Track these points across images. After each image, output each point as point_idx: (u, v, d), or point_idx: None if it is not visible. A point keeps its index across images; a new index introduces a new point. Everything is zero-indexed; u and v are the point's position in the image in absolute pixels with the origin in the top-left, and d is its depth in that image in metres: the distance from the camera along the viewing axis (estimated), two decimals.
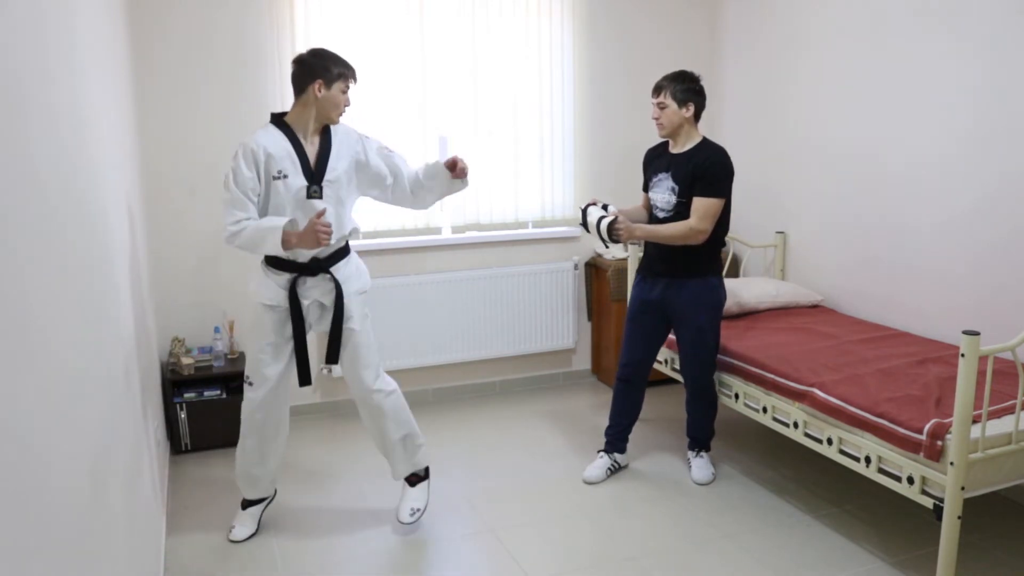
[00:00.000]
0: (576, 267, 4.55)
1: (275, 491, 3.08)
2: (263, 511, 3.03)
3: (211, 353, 3.79)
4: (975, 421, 2.43)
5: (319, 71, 2.62)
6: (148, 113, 3.68)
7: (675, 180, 3.15)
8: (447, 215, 4.29)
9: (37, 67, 1.28)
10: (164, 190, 3.75)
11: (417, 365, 4.28)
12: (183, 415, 3.65)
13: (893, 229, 3.61)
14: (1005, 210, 3.10)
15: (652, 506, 3.18)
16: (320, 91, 2.62)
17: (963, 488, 2.38)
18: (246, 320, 3.94)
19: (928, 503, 2.45)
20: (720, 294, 3.29)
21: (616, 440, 3.45)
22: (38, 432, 1.06)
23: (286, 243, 2.59)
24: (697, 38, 4.62)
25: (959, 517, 2.39)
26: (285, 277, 2.75)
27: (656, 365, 3.80)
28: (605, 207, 3.16)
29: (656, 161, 3.28)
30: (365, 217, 4.10)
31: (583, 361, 4.72)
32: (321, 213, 2.60)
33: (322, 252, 2.75)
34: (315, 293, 2.78)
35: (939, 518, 2.41)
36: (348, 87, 2.69)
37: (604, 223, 3.04)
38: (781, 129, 4.25)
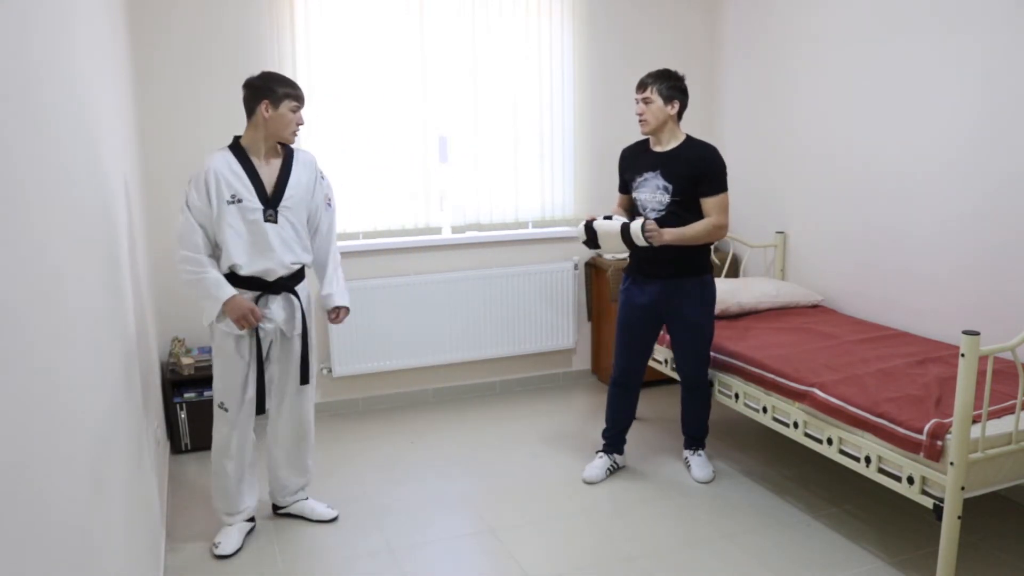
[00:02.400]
0: (576, 267, 4.55)
1: (255, 519, 3.02)
2: (249, 531, 2.96)
3: (211, 353, 3.78)
4: (975, 421, 2.43)
5: (264, 92, 2.66)
6: (148, 113, 3.68)
7: (667, 179, 3.12)
8: (447, 215, 4.30)
9: (37, 67, 1.28)
10: (164, 190, 3.75)
11: (417, 365, 4.28)
12: (183, 415, 3.65)
13: (893, 229, 3.61)
14: (1005, 210, 3.10)
15: (651, 506, 3.18)
16: (267, 111, 2.66)
17: (963, 488, 2.38)
18: None
19: (928, 503, 2.45)
20: (714, 290, 3.31)
21: (614, 441, 3.46)
22: (38, 432, 1.06)
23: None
24: (697, 38, 4.62)
25: (959, 517, 2.39)
26: (249, 297, 2.74)
27: (656, 365, 3.81)
28: (608, 217, 3.14)
29: (638, 160, 3.23)
30: (363, 217, 4.11)
31: (583, 361, 4.72)
32: (256, 311, 2.68)
33: (286, 270, 2.78)
34: (280, 316, 2.81)
35: (939, 518, 2.41)
36: (297, 107, 2.71)
37: (636, 226, 3.02)
38: (781, 129, 4.25)
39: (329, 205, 2.92)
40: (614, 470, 3.44)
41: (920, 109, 3.43)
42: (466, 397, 4.46)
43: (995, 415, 2.55)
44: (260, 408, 2.84)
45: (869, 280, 3.77)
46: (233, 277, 2.71)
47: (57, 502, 1.13)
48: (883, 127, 3.63)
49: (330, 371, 4.11)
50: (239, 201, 2.66)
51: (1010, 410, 2.57)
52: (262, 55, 3.81)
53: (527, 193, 4.41)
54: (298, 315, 2.83)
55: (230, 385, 2.79)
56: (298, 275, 2.85)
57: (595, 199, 4.49)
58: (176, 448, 3.70)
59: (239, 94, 3.79)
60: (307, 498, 3.10)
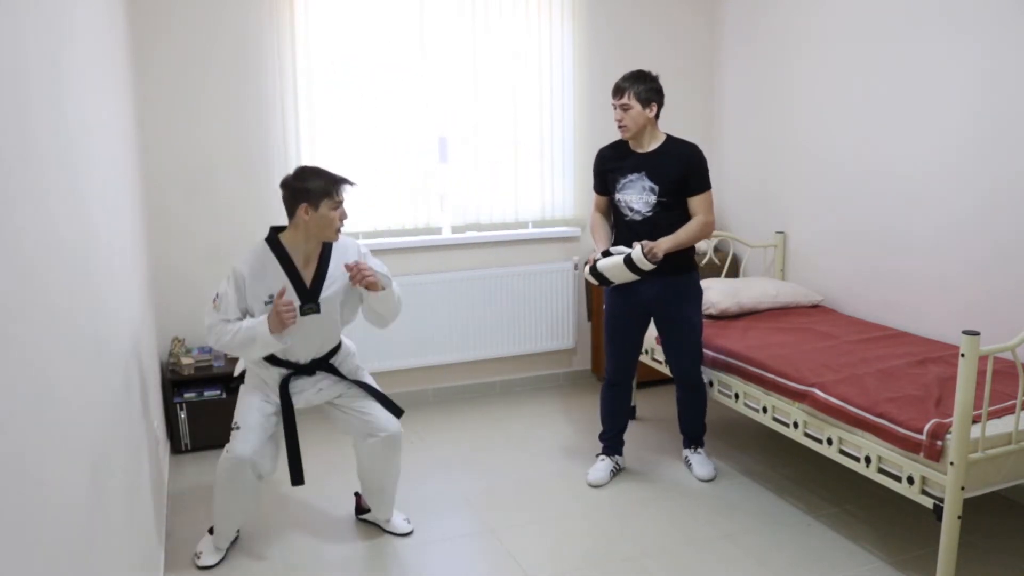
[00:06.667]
0: (576, 267, 4.55)
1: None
2: (231, 543, 2.88)
3: (211, 353, 3.79)
4: (975, 421, 2.43)
5: (301, 194, 2.55)
6: (148, 113, 3.68)
7: (653, 180, 3.12)
8: (447, 215, 4.30)
9: (39, 67, 1.28)
10: (164, 190, 3.76)
11: (417, 365, 4.28)
12: (183, 415, 3.65)
13: (893, 229, 3.61)
14: (1005, 210, 3.10)
15: (651, 506, 3.18)
16: (307, 214, 2.56)
17: (963, 488, 2.38)
18: None
19: (928, 503, 2.45)
20: (700, 287, 3.33)
21: (614, 443, 3.45)
22: (38, 433, 1.06)
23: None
24: (697, 38, 4.62)
25: (959, 517, 2.39)
26: (274, 372, 2.73)
27: (655, 365, 3.81)
28: (607, 253, 3.10)
29: (620, 162, 3.21)
30: (364, 216, 4.10)
31: (583, 361, 4.72)
32: (282, 292, 2.55)
33: (318, 353, 2.76)
34: (309, 393, 2.79)
35: (939, 518, 2.41)
36: (339, 201, 2.60)
37: (638, 253, 2.99)
38: (781, 129, 4.25)
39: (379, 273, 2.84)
40: (617, 471, 3.44)
41: (920, 109, 3.43)
42: (466, 397, 4.46)
43: (995, 415, 2.55)
44: (298, 478, 2.74)
45: (869, 280, 3.76)
46: (268, 358, 2.71)
47: (57, 503, 1.13)
48: (883, 127, 3.62)
49: None
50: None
51: (1010, 410, 2.57)
52: (262, 55, 3.81)
53: (527, 193, 4.41)
54: (329, 382, 2.80)
55: (246, 413, 2.72)
56: (331, 352, 2.83)
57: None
58: (176, 448, 3.70)
59: (239, 94, 3.83)
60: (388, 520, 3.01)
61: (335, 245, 2.73)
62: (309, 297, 2.67)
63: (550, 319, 4.51)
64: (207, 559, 2.78)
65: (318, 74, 3.90)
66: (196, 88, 3.74)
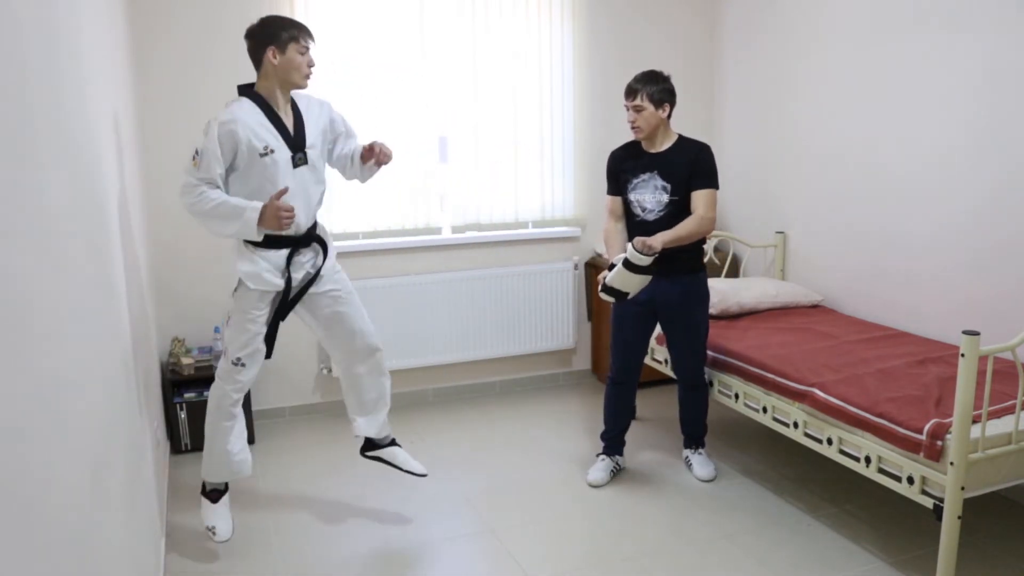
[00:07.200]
0: (576, 267, 4.55)
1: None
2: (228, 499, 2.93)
3: (211, 353, 3.79)
4: (975, 421, 2.43)
5: (269, 38, 2.56)
6: (148, 113, 3.68)
7: (665, 179, 3.13)
8: (447, 215, 4.30)
9: (43, 66, 1.28)
10: (164, 189, 3.75)
11: (417, 365, 4.28)
12: (183, 415, 3.65)
13: (894, 229, 3.61)
14: (1005, 210, 3.10)
15: (651, 506, 3.18)
16: (275, 58, 2.56)
17: (963, 488, 2.38)
18: None
19: (928, 503, 2.45)
20: (708, 288, 3.32)
21: (615, 442, 3.45)
22: (37, 433, 1.06)
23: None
24: (697, 38, 4.62)
25: (959, 517, 2.40)
26: (282, 254, 2.70)
27: (656, 365, 3.81)
28: (612, 267, 3.05)
29: (633, 162, 3.21)
30: (363, 217, 4.11)
31: (583, 361, 4.72)
32: (280, 193, 2.55)
33: (312, 218, 2.75)
34: (307, 265, 2.78)
35: (939, 518, 2.42)
36: (306, 47, 2.60)
37: (631, 251, 2.92)
38: (781, 129, 4.25)
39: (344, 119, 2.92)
40: (616, 471, 3.44)
41: (920, 109, 3.43)
42: (466, 397, 4.46)
43: (995, 415, 2.56)
44: (268, 353, 2.79)
45: (869, 280, 3.77)
46: (269, 239, 2.66)
47: (57, 503, 1.13)
48: (883, 126, 3.63)
49: (330, 371, 4.11)
50: (272, 152, 2.58)
51: (1010, 410, 2.57)
52: None
53: (527, 193, 4.41)
54: (320, 257, 2.79)
55: (250, 342, 2.72)
56: (315, 223, 2.82)
57: (595, 199, 4.49)
58: (176, 448, 3.70)
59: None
60: (399, 445, 3.07)
61: (302, 102, 2.73)
62: (296, 147, 2.66)
63: (550, 319, 4.51)
64: (222, 532, 2.81)
65: (317, 74, 3.89)
66: (196, 88, 3.74)
